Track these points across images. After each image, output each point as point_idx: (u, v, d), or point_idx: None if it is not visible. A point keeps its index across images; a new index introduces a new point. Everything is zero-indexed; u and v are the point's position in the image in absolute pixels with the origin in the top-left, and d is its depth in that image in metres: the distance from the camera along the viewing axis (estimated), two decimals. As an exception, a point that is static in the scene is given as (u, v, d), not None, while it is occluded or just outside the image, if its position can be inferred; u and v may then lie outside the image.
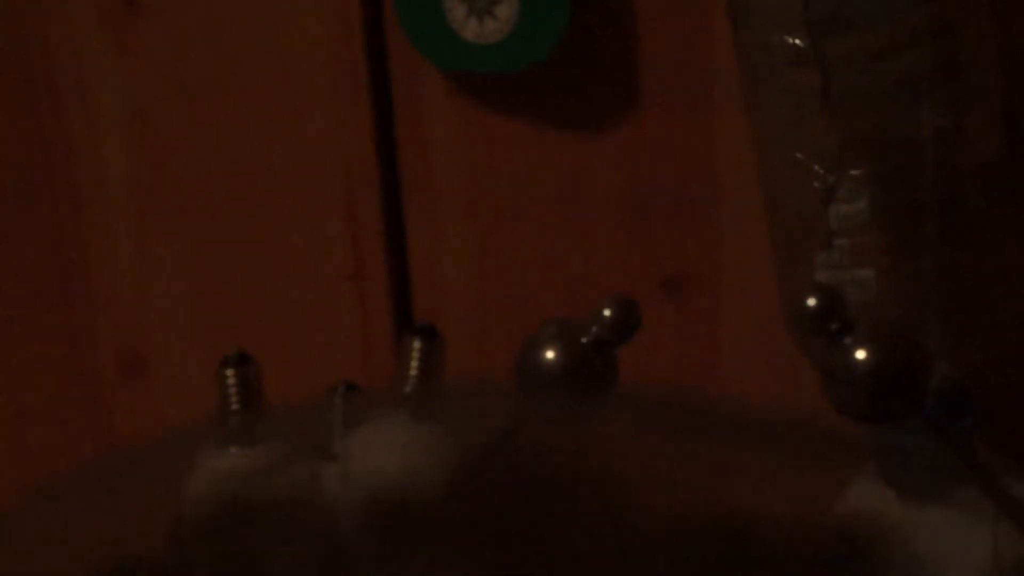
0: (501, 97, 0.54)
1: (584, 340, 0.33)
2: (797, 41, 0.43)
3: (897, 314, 0.47)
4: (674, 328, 0.56)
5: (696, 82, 0.52)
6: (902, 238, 0.45)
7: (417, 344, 0.53)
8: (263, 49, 0.56)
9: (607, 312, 0.33)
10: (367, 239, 0.58)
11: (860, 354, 0.33)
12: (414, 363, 0.53)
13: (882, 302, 0.46)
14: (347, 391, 0.55)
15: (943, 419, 0.49)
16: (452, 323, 0.58)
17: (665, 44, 0.52)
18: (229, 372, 0.51)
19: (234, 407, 0.52)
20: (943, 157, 0.44)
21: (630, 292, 0.55)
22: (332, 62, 0.56)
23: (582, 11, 0.52)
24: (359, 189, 0.58)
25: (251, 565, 0.42)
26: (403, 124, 0.56)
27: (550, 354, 0.34)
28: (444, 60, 0.53)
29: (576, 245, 0.56)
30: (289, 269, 0.59)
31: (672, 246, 0.55)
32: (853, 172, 0.45)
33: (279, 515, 0.46)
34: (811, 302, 0.33)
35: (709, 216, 0.54)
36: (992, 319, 0.47)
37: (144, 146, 0.59)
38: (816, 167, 0.45)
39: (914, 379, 0.33)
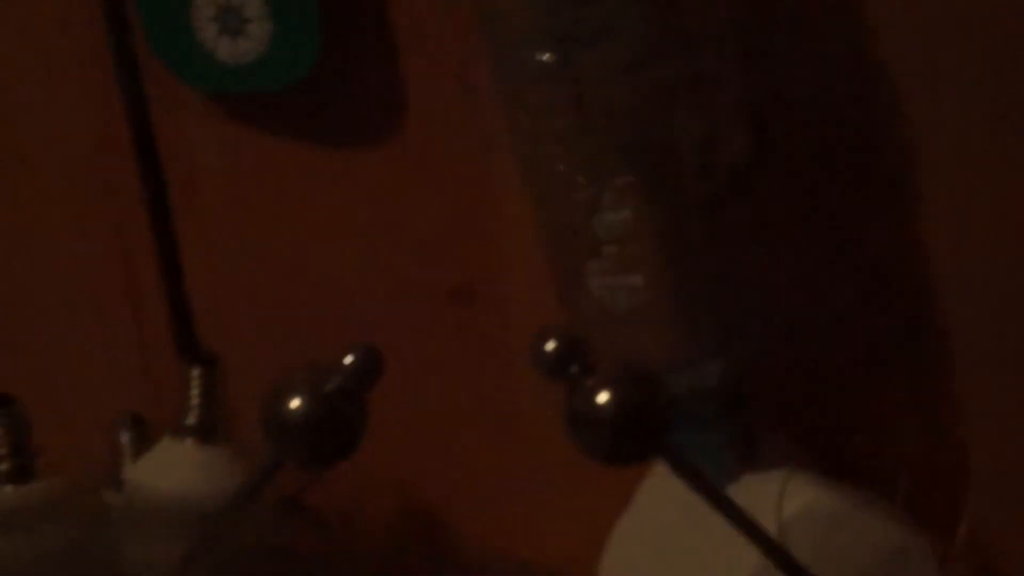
0: (265, 115, 0.53)
1: (328, 388, 0.32)
2: (547, 57, 0.42)
3: (670, 316, 0.47)
4: (464, 336, 0.56)
5: (461, 92, 0.52)
6: (668, 243, 0.45)
7: (196, 372, 0.51)
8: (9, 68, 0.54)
9: (349, 360, 0.32)
10: (140, 264, 0.56)
11: (602, 397, 0.32)
12: (195, 391, 0.51)
13: (654, 306, 0.46)
14: (132, 422, 0.54)
15: (723, 412, 0.50)
16: (235, 346, 0.56)
17: (426, 56, 0.51)
18: (-10, 418, 0.49)
19: (2, 452, 0.50)
20: (700, 161, 0.44)
21: (417, 303, 0.55)
22: (84, 79, 0.54)
23: (337, 29, 0.50)
24: (127, 215, 0.55)
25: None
26: (166, 144, 0.54)
27: (294, 403, 0.33)
28: (200, 81, 0.51)
29: (357, 261, 0.55)
30: (59, 297, 0.57)
31: (453, 257, 0.55)
32: (616, 181, 0.45)
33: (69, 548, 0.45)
34: (550, 345, 0.32)
35: (487, 225, 0.54)
36: (758, 313, 0.48)
37: None
38: (579, 178, 0.45)
39: (655, 419, 0.33)
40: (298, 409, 0.33)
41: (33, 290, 0.57)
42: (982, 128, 0.49)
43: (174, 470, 0.51)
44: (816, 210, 0.52)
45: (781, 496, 0.49)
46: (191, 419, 0.51)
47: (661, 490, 0.53)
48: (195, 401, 0.51)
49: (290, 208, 0.55)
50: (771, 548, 0.35)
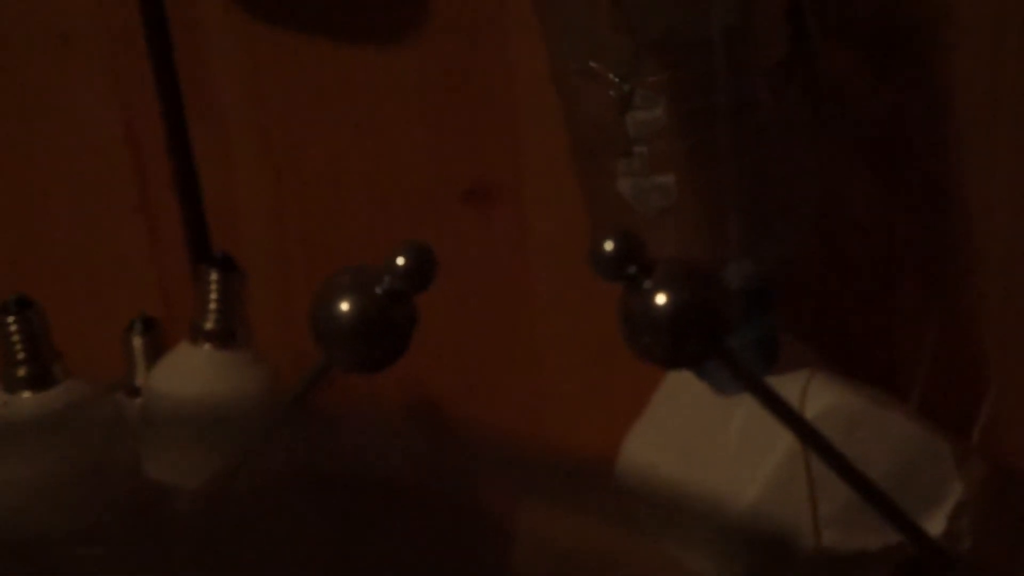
0: (283, 12, 0.52)
1: (378, 290, 0.32)
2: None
3: (699, 217, 0.47)
4: (479, 239, 0.55)
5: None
6: (700, 142, 0.45)
7: (214, 276, 0.50)
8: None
9: (400, 260, 0.31)
10: (153, 168, 0.55)
11: (660, 299, 0.32)
12: (213, 295, 0.51)
13: (684, 206, 0.46)
14: (145, 326, 0.53)
15: (747, 314, 0.49)
16: (250, 251, 0.55)
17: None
18: (10, 319, 0.48)
19: (20, 356, 0.49)
20: (734, 59, 0.44)
21: (432, 205, 0.55)
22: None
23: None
24: (139, 117, 0.54)
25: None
26: (181, 44, 0.53)
27: (344, 306, 0.32)
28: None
29: (372, 162, 0.54)
30: (72, 204, 0.56)
31: (471, 158, 0.54)
32: (649, 79, 0.44)
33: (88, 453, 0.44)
34: (608, 246, 0.32)
35: (507, 126, 0.53)
36: (787, 215, 0.47)
37: None
38: (611, 75, 0.44)
39: (714, 320, 0.32)
40: (349, 312, 0.32)
41: (48, 196, 0.56)
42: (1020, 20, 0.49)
43: (191, 375, 0.51)
44: (847, 110, 0.51)
45: (803, 396, 0.49)
46: (209, 324, 0.50)
47: (678, 393, 0.53)
48: (213, 306, 0.50)
49: (307, 109, 0.54)
50: (827, 450, 0.35)
